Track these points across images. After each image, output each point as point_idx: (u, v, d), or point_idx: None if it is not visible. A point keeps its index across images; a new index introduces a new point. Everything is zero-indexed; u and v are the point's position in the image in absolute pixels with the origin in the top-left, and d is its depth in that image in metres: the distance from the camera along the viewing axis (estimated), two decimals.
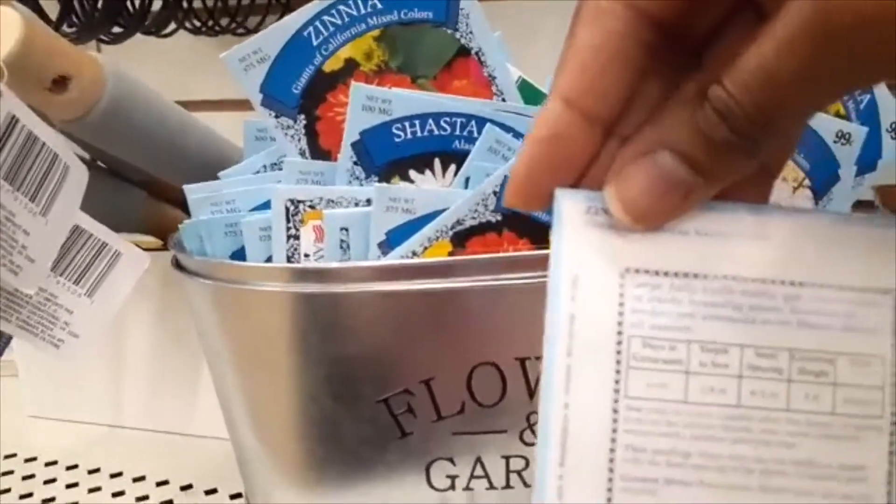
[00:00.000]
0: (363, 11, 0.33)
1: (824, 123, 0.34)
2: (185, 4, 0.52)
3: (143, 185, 0.46)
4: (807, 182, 0.34)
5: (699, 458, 0.17)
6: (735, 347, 0.17)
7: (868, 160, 0.36)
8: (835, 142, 0.34)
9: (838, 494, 0.17)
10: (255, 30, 0.56)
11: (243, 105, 0.37)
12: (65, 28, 0.59)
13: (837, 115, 0.35)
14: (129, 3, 0.49)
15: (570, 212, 0.17)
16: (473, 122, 0.32)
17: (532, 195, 0.17)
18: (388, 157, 0.32)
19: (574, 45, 0.16)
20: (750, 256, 0.17)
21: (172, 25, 0.53)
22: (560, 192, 0.17)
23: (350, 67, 0.33)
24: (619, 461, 0.17)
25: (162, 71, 0.50)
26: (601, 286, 0.17)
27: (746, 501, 0.16)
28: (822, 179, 0.35)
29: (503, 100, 0.34)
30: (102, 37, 0.59)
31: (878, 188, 0.50)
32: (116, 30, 0.50)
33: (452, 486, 0.35)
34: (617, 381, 0.17)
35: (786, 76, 0.14)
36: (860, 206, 0.49)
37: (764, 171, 0.18)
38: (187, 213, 0.36)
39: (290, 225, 0.33)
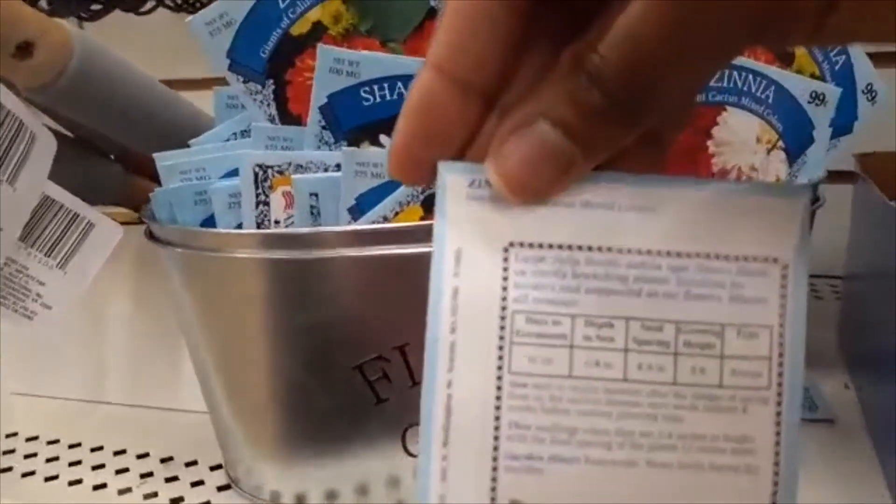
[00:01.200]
0: None
1: (798, 84, 0.34)
2: None
3: (119, 159, 0.46)
4: (781, 144, 0.34)
5: (585, 435, 0.16)
6: (620, 321, 0.16)
7: (844, 122, 0.36)
8: (809, 103, 0.34)
9: (726, 466, 0.16)
10: None
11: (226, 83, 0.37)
12: (43, 4, 0.58)
13: (812, 76, 0.35)
14: None
15: (453, 185, 0.17)
16: None
17: (412, 168, 0.17)
18: (357, 120, 0.32)
19: (447, 12, 0.16)
20: (635, 228, 0.16)
21: (152, 3, 0.52)
22: (443, 166, 0.17)
23: (318, 31, 0.33)
24: (503, 439, 0.16)
25: (145, 51, 0.50)
26: (484, 261, 0.17)
27: (634, 477, 0.16)
28: (797, 141, 0.34)
29: None
30: (81, 13, 0.59)
31: (858, 156, 0.50)
32: (95, 7, 0.49)
33: None
34: (500, 358, 0.16)
35: (652, 39, 0.14)
36: (842, 176, 0.49)
37: (654, 142, 0.17)
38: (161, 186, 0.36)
39: (260, 191, 0.32)
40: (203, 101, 0.45)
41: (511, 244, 0.17)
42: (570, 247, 0.17)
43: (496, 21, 0.16)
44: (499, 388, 0.16)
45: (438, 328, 0.16)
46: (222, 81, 0.37)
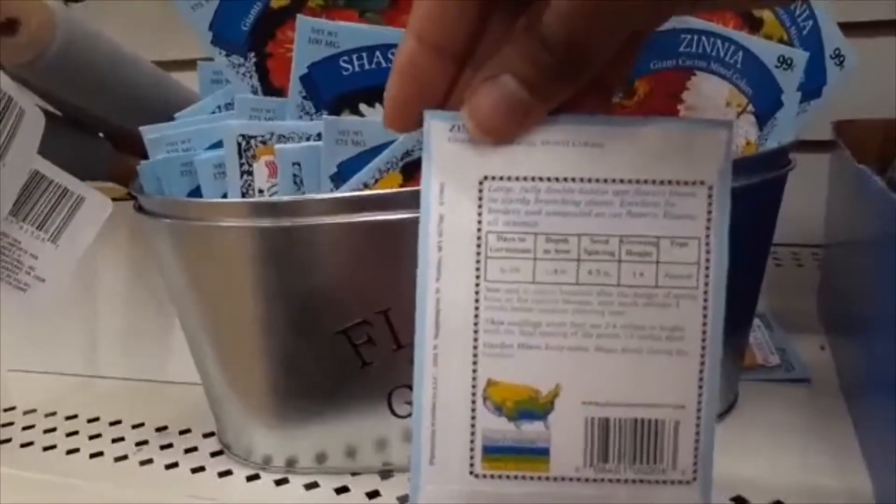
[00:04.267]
0: None
1: (766, 49, 0.34)
2: None
3: (108, 137, 0.46)
4: (750, 108, 0.35)
5: (546, 327, 0.20)
6: (574, 237, 0.20)
7: (812, 87, 0.37)
8: (776, 67, 0.34)
9: (661, 350, 0.20)
10: None
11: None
12: None
13: (780, 41, 0.36)
14: None
15: (437, 130, 0.20)
16: None
17: (405, 119, 0.21)
18: (337, 90, 0.33)
19: None
20: (586, 161, 0.20)
21: None
22: (428, 114, 0.20)
23: (298, 3, 0.34)
24: (481, 332, 0.20)
25: (131, 32, 0.50)
26: (463, 191, 0.20)
27: (585, 360, 0.20)
28: (766, 105, 0.35)
29: None
30: None
31: (835, 123, 0.51)
32: None
33: None
34: (478, 269, 0.20)
35: (579, 14, 0.17)
36: (824, 145, 0.50)
37: (600, 86, 0.20)
38: None
39: (243, 161, 0.33)
40: (190, 82, 0.46)
41: (485, 178, 0.20)
42: (533, 178, 0.20)
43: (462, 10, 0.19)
44: (477, 293, 0.20)
45: (428, 247, 0.20)
46: (201, 60, 0.38)
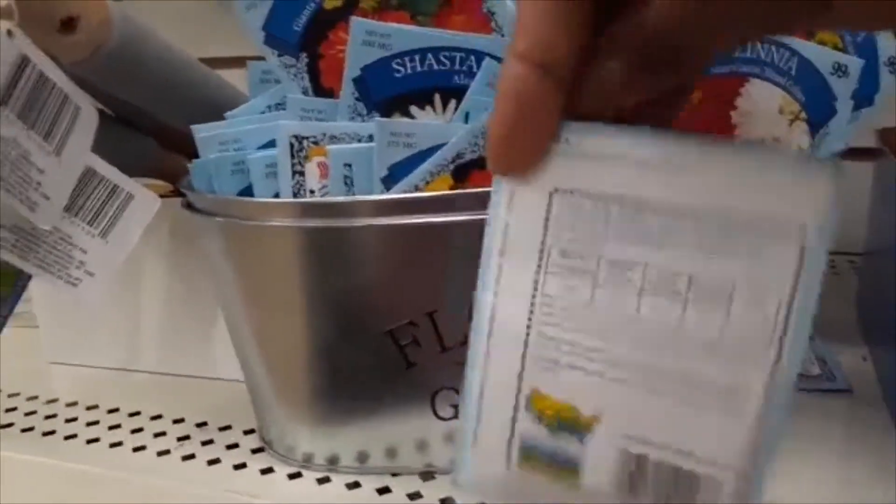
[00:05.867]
0: None
1: (821, 55, 0.34)
2: None
3: (151, 135, 0.47)
4: (803, 115, 0.35)
5: (595, 353, 0.19)
6: (640, 266, 0.19)
7: (865, 94, 0.37)
8: (831, 74, 0.34)
9: (715, 407, 0.18)
10: None
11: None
12: None
13: (835, 47, 0.35)
14: None
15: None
16: (472, 57, 0.33)
17: (515, 157, 0.19)
18: (389, 92, 0.33)
19: (523, 9, 0.18)
20: (667, 184, 0.18)
21: None
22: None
23: (350, 4, 0.34)
24: (531, 343, 0.20)
25: (175, 28, 0.51)
26: (532, 202, 0.20)
27: (628, 395, 0.19)
28: (819, 112, 0.35)
29: (502, 35, 0.34)
30: None
31: (880, 130, 0.50)
32: None
33: (457, 415, 0.36)
34: (536, 281, 0.20)
35: (672, 30, 0.16)
36: (864, 153, 0.49)
37: (678, 90, 0.20)
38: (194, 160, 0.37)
39: (296, 161, 0.34)
40: (232, 80, 0.46)
41: (556, 190, 0.19)
42: (604, 197, 0.19)
43: (571, 12, 0.18)
44: (532, 304, 0.20)
45: (491, 251, 0.20)
46: (250, 59, 0.38)
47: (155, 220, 0.40)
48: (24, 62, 0.32)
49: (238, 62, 0.48)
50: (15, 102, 0.32)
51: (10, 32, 0.31)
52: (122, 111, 0.43)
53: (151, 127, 0.45)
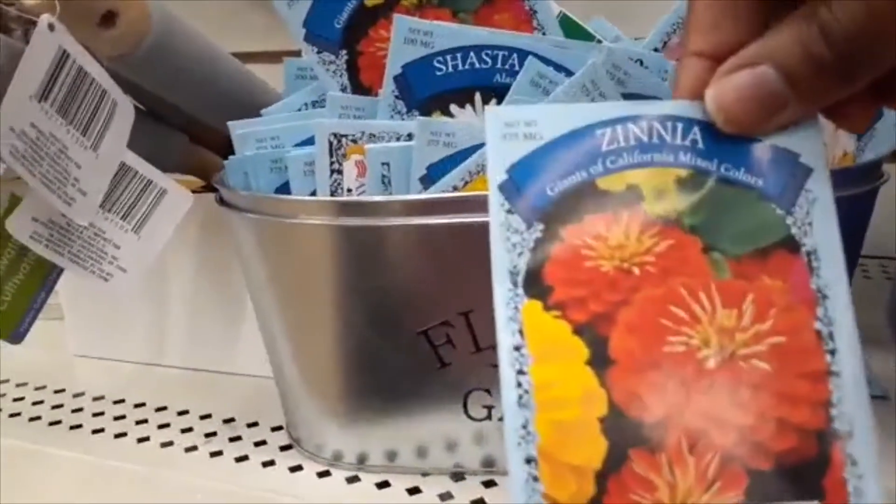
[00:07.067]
0: None
1: None
2: None
3: (181, 130, 0.47)
4: None
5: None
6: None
7: None
8: None
9: None
10: None
11: (277, 57, 0.38)
12: None
13: None
14: None
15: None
16: (515, 56, 0.32)
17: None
18: (430, 90, 0.33)
19: (694, 8, 0.18)
20: None
21: None
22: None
23: (391, 2, 0.33)
24: None
25: (207, 23, 0.51)
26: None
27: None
28: None
29: (543, 34, 0.34)
30: None
31: None
32: None
33: (489, 416, 0.36)
34: None
35: (886, 12, 0.15)
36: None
37: (874, 95, 0.18)
38: (225, 157, 0.37)
39: (334, 159, 0.33)
40: (263, 74, 0.46)
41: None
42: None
43: (744, 10, 0.18)
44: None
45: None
46: (283, 55, 0.38)
47: (184, 214, 0.40)
48: (63, 56, 0.32)
49: (264, 57, 0.47)
50: (55, 97, 0.32)
51: (51, 26, 0.31)
52: (152, 106, 0.43)
53: (182, 122, 0.45)
